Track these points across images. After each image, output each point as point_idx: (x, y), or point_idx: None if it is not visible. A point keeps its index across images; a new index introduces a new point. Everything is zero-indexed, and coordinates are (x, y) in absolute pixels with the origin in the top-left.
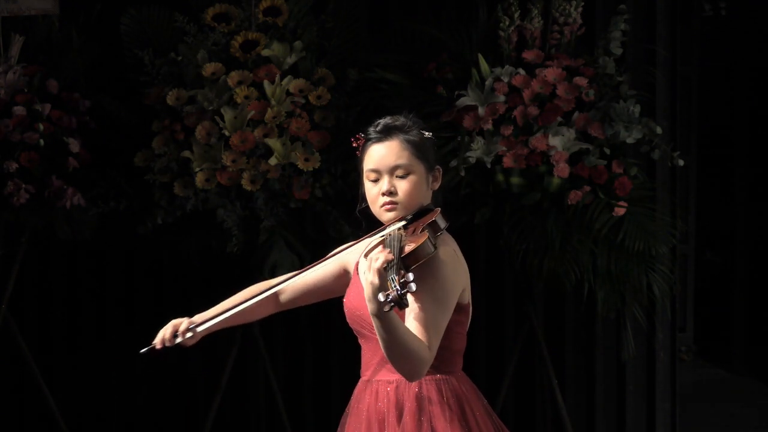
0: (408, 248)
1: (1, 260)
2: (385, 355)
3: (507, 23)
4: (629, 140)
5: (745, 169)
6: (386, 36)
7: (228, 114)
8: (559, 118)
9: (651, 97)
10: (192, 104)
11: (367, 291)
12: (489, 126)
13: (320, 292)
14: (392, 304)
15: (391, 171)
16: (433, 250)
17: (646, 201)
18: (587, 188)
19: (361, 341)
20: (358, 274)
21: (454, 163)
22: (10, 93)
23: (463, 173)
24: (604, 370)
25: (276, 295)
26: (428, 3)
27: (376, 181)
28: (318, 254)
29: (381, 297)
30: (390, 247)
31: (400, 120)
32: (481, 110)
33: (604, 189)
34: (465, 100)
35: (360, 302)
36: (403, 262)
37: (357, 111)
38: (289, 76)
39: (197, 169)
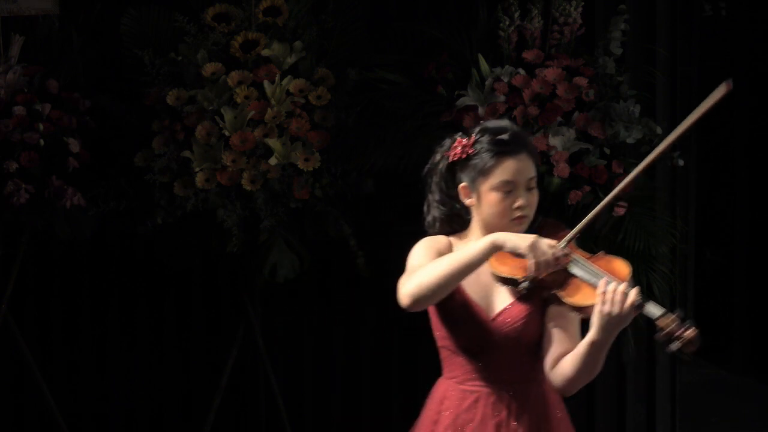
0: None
1: (1, 260)
2: (582, 372)
3: (507, 23)
4: (629, 140)
5: (745, 170)
6: (386, 36)
7: (228, 114)
8: (559, 118)
9: (651, 97)
10: (192, 104)
11: (612, 324)
12: None
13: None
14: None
15: (526, 184)
16: None
17: (646, 201)
18: (587, 188)
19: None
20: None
21: None
22: (10, 93)
23: None
24: (605, 371)
25: None
26: (428, 3)
27: (508, 192)
28: (318, 254)
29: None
30: (593, 279)
31: (519, 128)
32: (481, 110)
33: (604, 189)
34: (465, 100)
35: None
36: None
37: (357, 111)
38: (289, 76)
39: (197, 169)
